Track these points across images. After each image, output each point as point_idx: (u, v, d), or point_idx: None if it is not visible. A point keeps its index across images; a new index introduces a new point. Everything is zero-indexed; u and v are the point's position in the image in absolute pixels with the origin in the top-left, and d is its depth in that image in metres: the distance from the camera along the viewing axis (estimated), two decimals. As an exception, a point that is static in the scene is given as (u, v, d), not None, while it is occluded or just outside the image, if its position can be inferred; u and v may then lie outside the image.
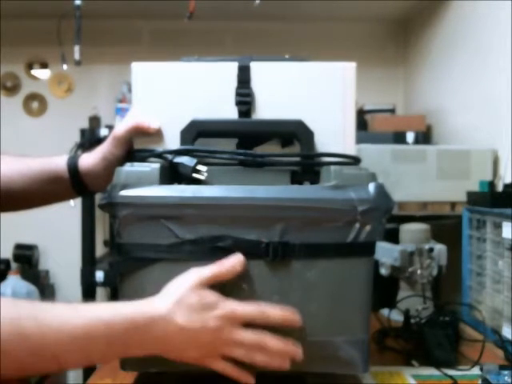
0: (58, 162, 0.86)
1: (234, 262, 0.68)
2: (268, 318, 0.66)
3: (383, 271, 1.23)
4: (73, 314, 0.62)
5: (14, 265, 2.26)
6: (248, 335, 0.66)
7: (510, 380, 0.81)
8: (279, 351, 0.67)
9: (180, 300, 0.65)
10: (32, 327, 0.59)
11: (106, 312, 0.63)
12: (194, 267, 0.68)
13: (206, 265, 0.67)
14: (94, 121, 2.28)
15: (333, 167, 0.74)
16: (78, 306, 0.64)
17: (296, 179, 0.79)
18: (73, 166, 0.85)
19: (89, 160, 0.85)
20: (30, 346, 0.59)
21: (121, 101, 2.20)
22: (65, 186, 0.85)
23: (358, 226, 0.70)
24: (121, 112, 2.11)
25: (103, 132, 2.03)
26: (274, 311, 0.67)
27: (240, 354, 0.66)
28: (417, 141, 1.79)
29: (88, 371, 1.97)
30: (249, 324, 0.66)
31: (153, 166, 0.73)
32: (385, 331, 1.05)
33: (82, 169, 0.85)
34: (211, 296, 0.66)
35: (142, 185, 0.70)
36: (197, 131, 0.78)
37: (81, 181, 0.85)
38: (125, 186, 0.70)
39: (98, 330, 0.62)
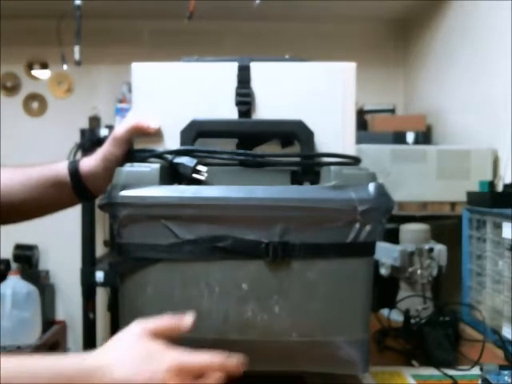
0: (59, 168, 0.85)
1: (182, 320, 0.63)
2: (216, 369, 0.61)
3: (383, 271, 1.23)
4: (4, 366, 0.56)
5: (14, 265, 2.26)
6: None
7: (510, 380, 0.81)
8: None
9: (124, 351, 0.60)
10: None
11: (40, 365, 0.58)
12: (194, 267, 0.68)
13: (206, 265, 0.67)
14: (94, 121, 2.28)
15: (333, 167, 0.74)
16: (10, 357, 0.57)
17: (296, 179, 0.79)
18: (74, 170, 0.84)
19: (89, 162, 0.85)
20: None
21: (121, 101, 2.20)
22: (66, 191, 0.85)
23: (357, 226, 0.70)
24: (121, 112, 2.11)
25: (103, 132, 2.03)
26: (221, 361, 0.61)
27: None
28: (417, 141, 1.79)
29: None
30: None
31: (153, 167, 0.73)
32: (385, 331, 1.05)
33: (83, 171, 0.84)
34: (157, 346, 0.60)
35: (142, 185, 0.70)
36: (197, 131, 0.78)
37: (82, 184, 0.85)
38: (125, 187, 0.70)
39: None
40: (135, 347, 0.60)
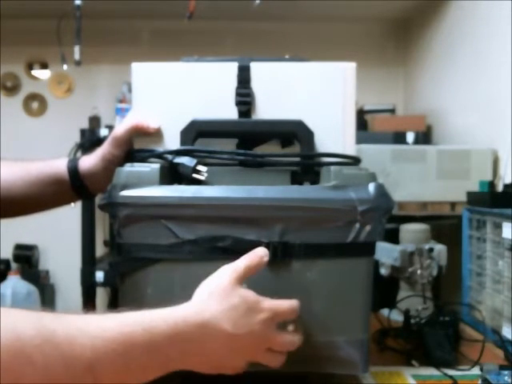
0: (58, 165, 0.86)
1: (261, 254, 0.66)
2: (294, 314, 0.64)
3: (383, 271, 1.23)
4: (108, 320, 0.55)
5: (14, 265, 2.26)
6: (285, 337, 0.64)
7: (509, 380, 0.81)
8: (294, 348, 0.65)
9: (224, 303, 0.60)
10: (61, 334, 0.50)
11: (145, 317, 0.57)
12: (194, 267, 0.68)
13: (206, 265, 0.67)
14: (94, 121, 2.28)
15: (333, 167, 0.74)
16: (113, 314, 0.57)
17: (296, 179, 0.79)
18: (73, 169, 0.85)
19: (89, 161, 0.85)
20: (61, 355, 0.50)
21: (121, 101, 2.20)
22: (65, 189, 0.85)
23: (358, 225, 0.70)
24: (121, 112, 2.11)
25: (103, 132, 2.03)
26: (295, 305, 0.64)
27: (270, 359, 0.64)
28: (417, 141, 1.79)
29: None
30: None
31: (153, 167, 0.73)
32: (385, 331, 1.05)
33: (82, 170, 0.85)
34: (251, 296, 0.62)
35: (142, 185, 0.70)
36: (197, 131, 0.78)
37: (81, 183, 0.85)
38: (125, 187, 0.70)
39: (136, 335, 0.54)
40: (233, 298, 0.61)
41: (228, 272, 0.63)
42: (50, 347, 0.49)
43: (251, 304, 0.61)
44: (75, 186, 0.85)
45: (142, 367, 0.55)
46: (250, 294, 0.62)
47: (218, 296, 0.60)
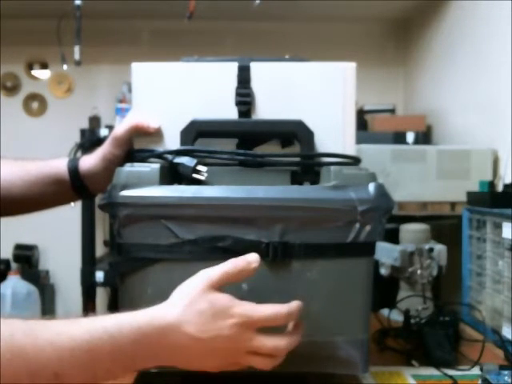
0: (58, 165, 0.86)
1: (249, 259, 0.64)
2: (282, 320, 0.62)
3: (383, 271, 1.23)
4: (73, 327, 0.57)
5: (14, 265, 2.26)
6: (267, 342, 0.61)
7: (509, 380, 0.81)
8: (286, 351, 0.63)
9: (190, 307, 0.60)
10: (27, 343, 0.53)
11: (110, 323, 0.58)
12: (194, 267, 0.68)
13: (206, 265, 0.67)
14: (94, 121, 2.28)
15: (333, 167, 0.74)
16: (79, 319, 0.59)
17: (296, 179, 0.79)
18: (73, 168, 0.85)
19: (89, 161, 0.85)
20: (27, 363, 0.53)
21: (121, 101, 2.20)
22: (65, 189, 0.85)
23: (358, 225, 0.70)
24: (121, 112, 2.11)
25: (103, 132, 2.03)
26: (287, 311, 0.62)
27: (257, 363, 0.62)
28: (417, 141, 1.79)
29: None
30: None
31: (153, 167, 0.73)
32: (385, 331, 1.05)
33: (83, 170, 0.85)
34: (222, 300, 0.61)
35: (142, 185, 0.70)
36: (197, 131, 0.78)
37: (81, 183, 0.85)
38: (125, 186, 0.70)
39: (102, 342, 0.56)
40: (200, 302, 0.60)
41: (202, 276, 0.62)
42: (18, 361, 0.52)
43: (219, 309, 0.60)
44: (75, 186, 0.85)
45: (107, 370, 0.58)
46: (220, 300, 0.61)
47: (187, 300, 0.60)
